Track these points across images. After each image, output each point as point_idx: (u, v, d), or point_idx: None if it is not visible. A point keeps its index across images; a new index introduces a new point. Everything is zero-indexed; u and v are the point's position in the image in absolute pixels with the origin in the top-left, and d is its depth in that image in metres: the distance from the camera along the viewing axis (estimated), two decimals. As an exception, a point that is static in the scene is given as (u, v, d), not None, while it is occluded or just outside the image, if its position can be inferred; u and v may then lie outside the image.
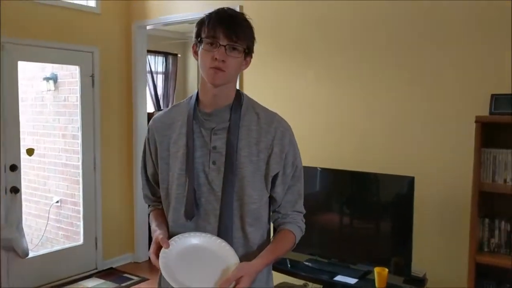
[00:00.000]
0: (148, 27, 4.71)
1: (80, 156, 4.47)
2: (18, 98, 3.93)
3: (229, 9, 1.42)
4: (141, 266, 4.72)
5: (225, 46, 1.36)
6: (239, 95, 1.50)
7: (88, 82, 4.43)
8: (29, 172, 5.10)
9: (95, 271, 4.54)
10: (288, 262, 3.13)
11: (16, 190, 3.88)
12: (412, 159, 3.10)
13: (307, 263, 3.10)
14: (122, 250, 4.79)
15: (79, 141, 4.45)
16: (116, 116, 4.67)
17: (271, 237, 1.57)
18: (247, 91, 3.96)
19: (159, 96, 6.32)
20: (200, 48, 1.40)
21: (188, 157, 1.44)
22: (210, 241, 1.41)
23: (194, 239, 1.41)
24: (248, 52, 1.43)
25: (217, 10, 1.41)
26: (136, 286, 4.23)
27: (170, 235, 1.46)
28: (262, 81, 3.79)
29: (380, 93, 3.25)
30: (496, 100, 2.67)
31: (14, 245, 3.76)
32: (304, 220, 1.58)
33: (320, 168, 3.15)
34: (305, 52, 3.59)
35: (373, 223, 3.04)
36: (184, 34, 6.41)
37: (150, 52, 5.71)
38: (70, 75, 4.61)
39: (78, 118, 4.44)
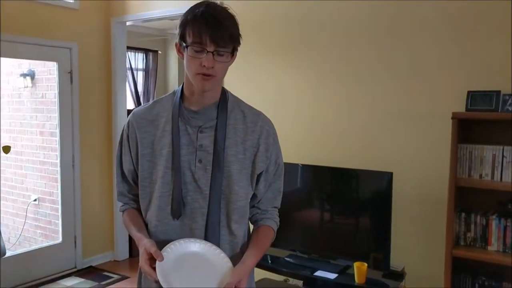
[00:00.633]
0: (127, 23, 4.66)
1: (58, 153, 4.40)
2: (-6, 94, 3.85)
3: (212, 4, 1.36)
4: (121, 264, 4.69)
5: (212, 52, 1.32)
6: (224, 93, 1.50)
7: (66, 79, 4.37)
8: (6, 170, 5.01)
9: (75, 270, 4.49)
10: (269, 258, 3.14)
11: (-8, 188, 3.80)
12: (390, 155, 3.14)
13: (287, 259, 3.11)
14: (102, 248, 4.75)
15: (57, 138, 4.39)
16: (95, 113, 4.62)
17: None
18: (229, 88, 3.96)
19: (140, 93, 6.27)
20: (186, 52, 1.36)
21: (174, 155, 1.41)
22: (204, 248, 1.39)
23: (187, 247, 1.38)
24: (236, 49, 1.41)
25: (201, 8, 1.34)
26: (116, 284, 4.20)
27: (152, 235, 1.44)
28: (243, 78, 3.79)
29: (359, 90, 3.28)
30: (472, 96, 2.72)
31: (-9, 244, 3.69)
32: (278, 215, 1.60)
33: (301, 164, 3.17)
34: (287, 50, 3.60)
35: (352, 218, 3.08)
36: (164, 30, 6.37)
37: (130, 48, 5.66)
38: (48, 71, 4.54)
39: (56, 115, 4.38)
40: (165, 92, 6.30)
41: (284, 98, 3.61)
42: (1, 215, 4.78)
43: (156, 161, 1.44)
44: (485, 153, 2.64)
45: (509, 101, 2.61)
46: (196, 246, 1.39)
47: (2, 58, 4.22)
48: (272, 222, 1.56)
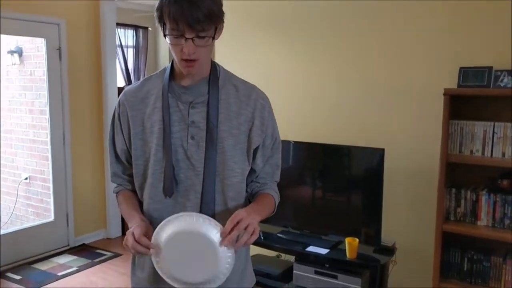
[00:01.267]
0: (116, -1, 4.58)
1: (48, 131, 4.36)
2: (-19, 71, 3.79)
3: None
4: (113, 242, 4.71)
5: (192, 38, 1.27)
6: (215, 67, 1.45)
7: (55, 56, 4.30)
8: (-4, 148, 4.97)
9: (67, 247, 4.50)
10: (261, 235, 3.16)
11: (-18, 166, 3.77)
12: (382, 131, 3.15)
13: (280, 235, 3.14)
14: (94, 226, 4.76)
15: (47, 116, 4.34)
16: (85, 90, 4.56)
17: None
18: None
19: (130, 71, 6.19)
20: (167, 37, 1.31)
21: (165, 132, 1.38)
22: (188, 222, 1.30)
23: (170, 228, 1.30)
24: (218, 30, 1.34)
25: None
26: (109, 261, 4.22)
27: (146, 213, 1.43)
28: (232, 55, 3.75)
29: (350, 66, 3.26)
30: (464, 73, 2.72)
31: (-18, 223, 3.68)
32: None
33: (293, 141, 3.17)
34: (276, 26, 3.56)
35: (344, 195, 3.09)
36: (154, 7, 6.25)
37: (119, 25, 5.56)
38: (36, 48, 4.46)
39: (45, 93, 4.32)
40: (155, 69, 6.22)
41: (274, 75, 3.59)
42: (-8, 194, 4.76)
43: (148, 139, 1.42)
44: (476, 129, 2.65)
45: (501, 77, 2.61)
46: (178, 225, 1.31)
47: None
48: (273, 192, 1.55)
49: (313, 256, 2.89)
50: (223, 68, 1.50)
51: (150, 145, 1.41)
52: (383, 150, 2.81)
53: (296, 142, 3.17)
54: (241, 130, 1.43)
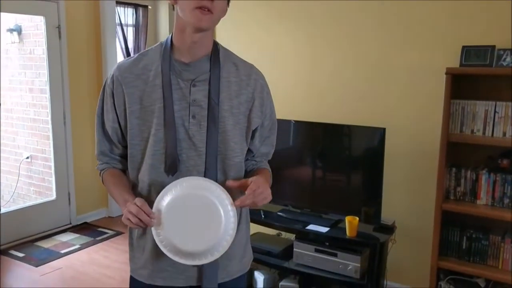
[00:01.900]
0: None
1: (49, 110, 4.36)
2: (-19, 50, 3.76)
3: None
4: (115, 221, 4.74)
5: None
6: (215, 45, 1.42)
7: (55, 34, 4.27)
8: (-4, 127, 4.97)
9: (69, 226, 4.54)
10: (262, 213, 3.19)
11: (-17, 145, 3.78)
12: (383, 110, 3.14)
13: (280, 214, 3.16)
14: (96, 205, 4.79)
15: (47, 95, 4.33)
16: (85, 69, 4.54)
17: None
18: (221, 42, 3.89)
19: (130, 49, 6.14)
20: None
21: (166, 110, 1.34)
22: (190, 184, 1.31)
23: (171, 194, 1.30)
24: None
25: None
26: (111, 239, 4.26)
27: (146, 194, 1.39)
28: (235, 33, 3.72)
29: (350, 45, 3.24)
30: (467, 52, 2.70)
31: (-15, 201, 3.70)
32: None
33: (293, 121, 3.17)
34: (275, 4, 3.52)
35: (344, 174, 3.11)
36: (154, -16, 6.17)
37: (119, 3, 5.50)
38: (35, 26, 4.42)
39: (45, 71, 4.30)
40: (156, 48, 6.17)
41: (273, 54, 3.56)
42: (-6, 172, 4.78)
43: (147, 118, 1.36)
44: (478, 108, 2.65)
45: (504, 56, 2.59)
46: (180, 190, 1.30)
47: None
48: (268, 168, 1.57)
49: (313, 235, 2.92)
50: (222, 46, 1.47)
51: (148, 124, 1.36)
52: (384, 129, 2.81)
53: (296, 122, 3.17)
54: (241, 110, 1.41)
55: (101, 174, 1.51)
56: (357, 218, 2.82)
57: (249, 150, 1.50)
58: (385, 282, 2.98)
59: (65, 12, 4.28)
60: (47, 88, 4.31)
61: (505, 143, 2.56)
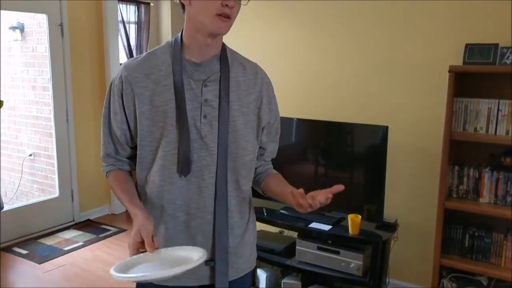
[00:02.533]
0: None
1: (51, 108, 4.36)
2: (-17, 48, 3.77)
3: None
4: (118, 218, 4.75)
5: None
6: (223, 45, 1.44)
7: (57, 32, 4.27)
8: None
9: (73, 223, 4.55)
10: (264, 211, 3.19)
11: (-14, 143, 3.79)
12: (386, 108, 3.14)
13: (283, 211, 3.16)
14: (99, 202, 4.80)
15: (50, 93, 4.34)
16: (88, 66, 4.54)
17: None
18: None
19: (132, 47, 6.14)
20: None
21: (179, 111, 1.33)
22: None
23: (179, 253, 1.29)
24: None
25: None
26: (115, 236, 4.27)
27: (157, 195, 1.39)
28: (235, 32, 3.71)
29: (353, 43, 3.23)
30: (470, 49, 2.69)
31: (-12, 199, 3.72)
32: None
33: (296, 118, 3.16)
34: (280, 2, 3.51)
35: (347, 172, 3.11)
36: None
37: (121, 0, 5.50)
38: (38, 24, 4.42)
39: (48, 69, 4.30)
40: (158, 45, 6.17)
41: (276, 52, 3.56)
42: (-3, 170, 4.79)
43: (157, 118, 1.34)
44: (481, 106, 2.65)
45: (507, 54, 2.59)
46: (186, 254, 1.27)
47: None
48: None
49: (315, 232, 2.92)
50: (227, 46, 1.47)
51: (159, 125, 1.35)
52: (387, 127, 2.81)
53: (299, 119, 3.17)
54: (250, 108, 1.43)
55: (107, 176, 1.50)
56: (360, 216, 2.82)
57: (261, 149, 1.53)
58: (387, 280, 2.99)
59: (67, 10, 4.28)
60: (50, 85, 4.32)
61: (508, 141, 2.55)
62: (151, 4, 6.37)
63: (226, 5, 1.26)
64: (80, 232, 4.35)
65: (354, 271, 2.79)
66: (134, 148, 1.44)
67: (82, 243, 4.10)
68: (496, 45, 2.63)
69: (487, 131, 2.64)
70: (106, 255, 3.86)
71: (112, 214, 4.85)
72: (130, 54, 6.09)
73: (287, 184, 1.49)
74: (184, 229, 1.41)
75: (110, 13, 4.57)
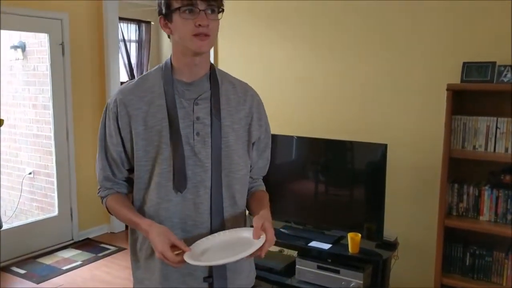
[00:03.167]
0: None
1: (52, 126, 4.38)
2: (-15, 67, 3.80)
3: None
4: (117, 236, 4.73)
5: (204, 10, 1.30)
6: (211, 65, 1.49)
7: (58, 51, 4.31)
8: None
9: (72, 242, 4.53)
10: (264, 229, 3.17)
11: (-14, 161, 3.80)
12: (385, 126, 3.15)
13: (282, 230, 3.15)
14: (98, 221, 4.78)
15: (51, 111, 4.36)
16: (88, 85, 4.57)
17: None
18: (222, 60, 3.94)
19: (133, 65, 6.19)
20: (174, 18, 1.33)
21: (172, 129, 1.37)
22: (220, 235, 1.37)
23: (213, 240, 1.36)
24: (222, 6, 1.36)
25: None
26: (114, 255, 4.24)
27: (154, 213, 1.40)
28: (235, 50, 3.75)
29: (353, 61, 3.26)
30: (468, 68, 2.71)
31: (-13, 218, 3.70)
32: None
33: (296, 136, 3.17)
34: (279, 21, 3.55)
35: (346, 190, 3.10)
36: (157, 1, 6.24)
37: (122, 19, 5.56)
38: (39, 43, 4.46)
39: (48, 87, 4.33)
40: (158, 64, 6.22)
41: (277, 70, 3.59)
42: (-3, 188, 4.78)
43: (152, 138, 1.38)
44: (479, 124, 2.65)
45: (505, 72, 2.60)
46: (219, 236, 1.37)
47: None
48: (265, 189, 1.61)
49: (315, 251, 2.90)
50: (215, 65, 1.52)
51: (154, 144, 1.38)
52: (385, 145, 2.81)
53: (299, 137, 3.17)
54: (242, 124, 1.46)
55: (103, 202, 1.50)
56: (359, 235, 2.81)
57: (252, 164, 1.54)
58: (388, 299, 2.96)
59: (68, 29, 4.33)
60: (50, 104, 4.34)
61: (507, 158, 2.55)
62: (152, 22, 6.44)
63: (200, 25, 1.30)
64: (79, 251, 4.32)
65: (354, 291, 2.77)
66: (130, 170, 1.47)
67: (81, 262, 4.08)
68: (494, 63, 2.65)
69: (486, 148, 2.64)
70: (105, 275, 3.83)
71: (111, 232, 4.82)
72: (130, 72, 6.13)
73: (262, 207, 1.46)
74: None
75: (111, 31, 4.61)
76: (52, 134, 4.39)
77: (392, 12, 3.07)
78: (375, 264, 2.75)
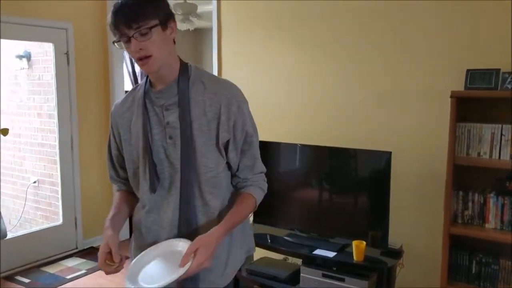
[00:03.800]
0: (123, 3, 4.60)
1: (56, 135, 4.40)
2: (-10, 76, 3.83)
3: None
4: (121, 245, 4.65)
5: (132, 36, 1.37)
6: (186, 68, 1.52)
7: (63, 60, 4.34)
8: (5, 152, 5.01)
9: (76, 250, 4.53)
10: (268, 237, 3.17)
11: (-9, 170, 3.81)
12: (389, 134, 3.14)
13: (287, 238, 3.14)
14: (102, 229, 4.76)
15: (55, 120, 4.38)
16: (93, 94, 4.60)
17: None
18: (225, 66, 3.95)
19: (137, 74, 6.22)
20: (116, 45, 1.45)
21: (144, 134, 1.51)
22: (160, 247, 1.49)
23: (148, 258, 1.49)
24: (164, 21, 1.41)
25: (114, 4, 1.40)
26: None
27: (146, 214, 1.58)
28: (238, 57, 3.76)
29: (356, 69, 3.26)
30: (471, 75, 2.71)
31: (-8, 226, 3.71)
32: (265, 179, 1.64)
33: (300, 144, 3.17)
34: (282, 28, 3.57)
35: (351, 197, 3.09)
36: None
37: (126, 29, 5.60)
38: (44, 52, 4.50)
39: (53, 96, 4.36)
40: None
41: (280, 77, 3.59)
42: (1, 197, 4.79)
43: (135, 143, 1.55)
44: (484, 131, 2.64)
45: (509, 79, 2.60)
46: (152, 253, 1.49)
47: (-3, 40, 4.18)
48: (255, 188, 1.60)
49: (320, 259, 2.89)
50: (196, 67, 1.56)
51: (137, 149, 1.55)
52: (390, 153, 2.81)
53: (303, 145, 3.17)
54: (211, 127, 1.50)
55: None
56: (364, 242, 2.80)
57: (230, 165, 1.57)
58: (394, 308, 2.94)
59: (73, 38, 4.36)
60: (55, 113, 4.36)
61: (512, 166, 2.54)
62: (156, 32, 6.47)
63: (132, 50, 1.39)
64: (83, 260, 4.32)
65: (359, 299, 2.75)
66: None
67: (85, 271, 4.07)
68: (498, 70, 2.65)
69: (490, 155, 2.63)
70: (109, 283, 3.82)
71: (115, 241, 4.81)
72: (135, 81, 6.16)
73: (224, 221, 1.50)
74: (155, 241, 1.56)
75: (115, 41, 4.64)
76: (56, 143, 4.41)
77: (395, 18, 3.08)
78: (380, 272, 2.73)
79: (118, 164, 1.67)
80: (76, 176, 4.50)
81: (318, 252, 2.93)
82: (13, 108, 4.95)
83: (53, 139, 4.48)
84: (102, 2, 4.56)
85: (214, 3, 3.85)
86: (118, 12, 1.37)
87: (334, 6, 3.30)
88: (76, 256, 4.41)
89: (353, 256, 2.80)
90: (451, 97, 2.60)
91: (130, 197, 1.68)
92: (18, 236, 4.24)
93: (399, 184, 2.98)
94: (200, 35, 7.54)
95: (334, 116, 3.38)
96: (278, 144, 3.21)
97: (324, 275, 2.87)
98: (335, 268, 2.86)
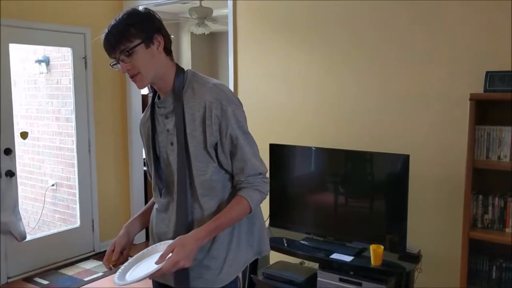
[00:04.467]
0: (140, 8, 4.64)
1: (74, 139, 4.45)
2: (11, 81, 3.89)
3: (114, 20, 1.54)
4: (138, 248, 4.70)
5: (119, 58, 1.50)
6: (180, 75, 1.58)
7: (81, 64, 4.39)
8: (24, 155, 5.08)
9: (93, 253, 4.57)
10: (285, 241, 3.16)
11: (11, 173, 3.87)
12: (407, 137, 3.11)
13: (303, 242, 3.13)
14: (119, 232, 4.80)
15: (73, 124, 4.43)
16: (110, 98, 4.64)
17: None
18: (240, 73, 3.96)
19: (153, 78, 6.27)
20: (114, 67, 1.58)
21: (151, 142, 1.65)
22: (151, 250, 1.61)
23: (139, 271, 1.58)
24: (148, 39, 1.50)
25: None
26: (134, 267, 4.26)
27: (153, 209, 1.75)
28: (253, 61, 3.77)
29: (374, 71, 3.24)
30: (491, 77, 2.67)
31: (11, 229, 3.76)
32: (265, 180, 1.61)
33: (314, 147, 3.16)
34: (297, 31, 3.56)
35: (368, 201, 3.07)
36: (177, 14, 6.34)
37: (142, 33, 5.65)
38: (63, 57, 4.56)
39: (71, 100, 4.41)
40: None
41: (295, 81, 3.58)
42: (20, 200, 4.86)
43: (150, 151, 1.68)
44: (504, 134, 2.60)
45: (529, 81, 2.56)
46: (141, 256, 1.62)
47: (17, 45, 4.24)
48: (249, 190, 1.57)
49: (337, 263, 2.87)
50: (192, 73, 1.62)
51: (149, 155, 1.70)
52: (408, 156, 2.78)
53: (318, 148, 3.16)
54: (199, 130, 1.55)
55: None
56: (382, 247, 2.77)
57: (223, 168, 1.60)
58: (412, 313, 2.90)
59: (91, 43, 4.41)
60: (73, 117, 4.42)
61: (534, 169, 2.50)
62: (172, 36, 6.52)
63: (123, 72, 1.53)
64: (100, 263, 4.35)
65: (377, 304, 2.72)
66: None
67: (102, 273, 4.10)
68: (517, 72, 2.61)
69: (511, 159, 2.59)
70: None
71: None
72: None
73: (208, 223, 1.53)
74: (158, 239, 1.71)
75: (132, 46, 4.68)
76: (74, 147, 4.47)
77: (413, 21, 3.05)
78: (398, 276, 2.70)
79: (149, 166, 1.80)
80: (93, 179, 4.54)
81: (335, 256, 2.91)
82: (32, 112, 5.03)
83: (71, 142, 4.53)
84: (119, 6, 4.61)
85: (230, 6, 3.86)
86: (105, 40, 1.52)
87: (351, 9, 3.29)
88: (93, 259, 4.45)
89: (370, 261, 2.78)
90: (470, 99, 2.56)
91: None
92: (36, 239, 4.30)
93: (416, 187, 2.95)
94: (215, 39, 7.59)
95: (351, 119, 3.36)
96: (292, 147, 3.20)
97: (341, 280, 2.85)
98: (352, 273, 2.84)
